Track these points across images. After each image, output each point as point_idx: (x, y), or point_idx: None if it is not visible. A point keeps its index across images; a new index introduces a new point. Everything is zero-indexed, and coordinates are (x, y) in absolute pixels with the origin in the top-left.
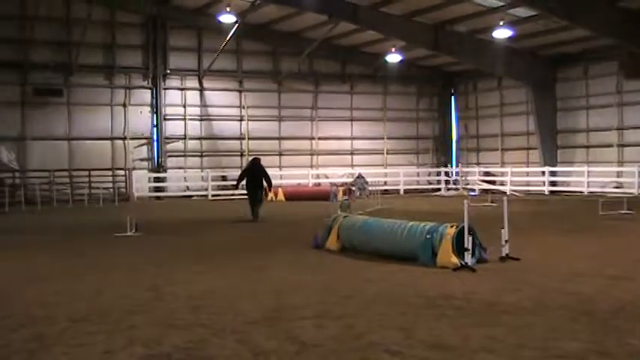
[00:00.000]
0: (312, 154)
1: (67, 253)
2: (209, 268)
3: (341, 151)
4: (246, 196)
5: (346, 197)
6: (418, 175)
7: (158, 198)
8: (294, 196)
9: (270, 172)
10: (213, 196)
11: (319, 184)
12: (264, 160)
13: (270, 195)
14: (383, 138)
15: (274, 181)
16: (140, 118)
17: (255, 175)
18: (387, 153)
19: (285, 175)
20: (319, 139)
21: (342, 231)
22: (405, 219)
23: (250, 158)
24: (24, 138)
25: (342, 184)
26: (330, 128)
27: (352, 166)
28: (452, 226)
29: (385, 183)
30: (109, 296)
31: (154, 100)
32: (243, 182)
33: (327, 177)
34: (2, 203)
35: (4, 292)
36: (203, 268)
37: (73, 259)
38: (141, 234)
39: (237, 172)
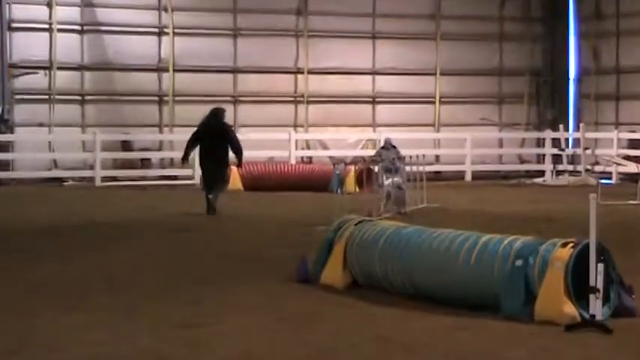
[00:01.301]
0: (296, 102)
1: None
2: (98, 319)
3: (353, 98)
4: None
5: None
6: (501, 144)
7: None
8: (263, 181)
9: None
10: (105, 179)
11: (310, 160)
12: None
13: None
14: (434, 73)
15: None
16: None
17: (215, 138)
18: (440, 102)
19: (245, 143)
20: (310, 73)
21: (353, 251)
22: (474, 229)
23: (211, 109)
24: None
25: (355, 161)
26: (334, 52)
27: (374, 126)
28: (565, 245)
29: (437, 159)
30: None
31: None
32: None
33: (325, 147)
34: None
35: None
36: (86, 319)
37: None
38: None
39: (151, 135)
